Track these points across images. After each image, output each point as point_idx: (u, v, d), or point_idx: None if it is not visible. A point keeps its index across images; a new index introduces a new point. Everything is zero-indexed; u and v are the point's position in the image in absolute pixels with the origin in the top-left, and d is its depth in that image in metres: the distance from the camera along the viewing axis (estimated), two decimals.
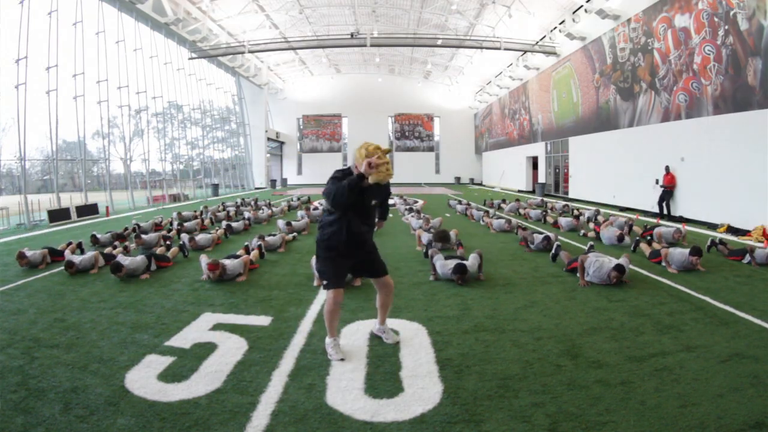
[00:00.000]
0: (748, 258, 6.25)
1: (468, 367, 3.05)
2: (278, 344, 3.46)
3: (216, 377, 2.90)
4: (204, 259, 5.64)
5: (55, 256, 6.63)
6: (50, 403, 2.57)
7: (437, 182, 35.18)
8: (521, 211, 12.36)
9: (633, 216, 11.65)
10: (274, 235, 7.79)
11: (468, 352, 3.28)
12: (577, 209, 12.42)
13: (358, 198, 2.89)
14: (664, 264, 5.91)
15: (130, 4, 17.00)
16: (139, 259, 5.80)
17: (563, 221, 9.63)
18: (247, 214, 11.37)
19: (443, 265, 5.35)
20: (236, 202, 15.33)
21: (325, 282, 3.19)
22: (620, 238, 7.56)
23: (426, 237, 7.31)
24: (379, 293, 3.42)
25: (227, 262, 5.58)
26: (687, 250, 5.74)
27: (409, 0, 21.81)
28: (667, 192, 11.97)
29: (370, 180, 2.76)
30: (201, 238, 7.78)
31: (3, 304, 4.59)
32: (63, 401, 2.58)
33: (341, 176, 2.94)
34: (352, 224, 3.06)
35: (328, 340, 3.30)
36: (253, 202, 15.62)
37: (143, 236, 7.77)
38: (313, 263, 5.45)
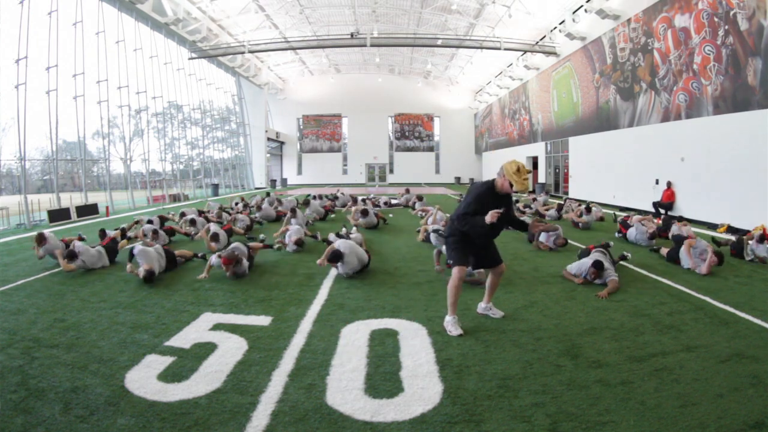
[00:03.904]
0: (750, 255, 6.28)
1: (468, 367, 3.05)
2: (278, 344, 3.46)
3: (216, 377, 2.90)
4: (214, 259, 5.55)
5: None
6: (50, 403, 2.57)
7: (437, 182, 35.18)
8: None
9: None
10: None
11: (468, 352, 3.28)
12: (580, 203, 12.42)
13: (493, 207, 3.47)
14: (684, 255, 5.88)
15: (130, 4, 16.99)
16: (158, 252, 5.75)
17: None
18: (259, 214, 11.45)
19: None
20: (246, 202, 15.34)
21: (451, 261, 3.68)
22: (652, 236, 7.55)
23: (433, 237, 7.29)
24: (492, 276, 3.93)
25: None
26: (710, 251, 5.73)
27: (409, 0, 21.82)
28: (664, 205, 11.98)
29: (515, 188, 3.44)
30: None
31: (3, 304, 4.59)
32: (63, 401, 2.58)
33: (485, 192, 3.53)
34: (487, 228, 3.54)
35: (448, 318, 3.70)
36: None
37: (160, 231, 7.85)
38: (333, 238, 5.80)
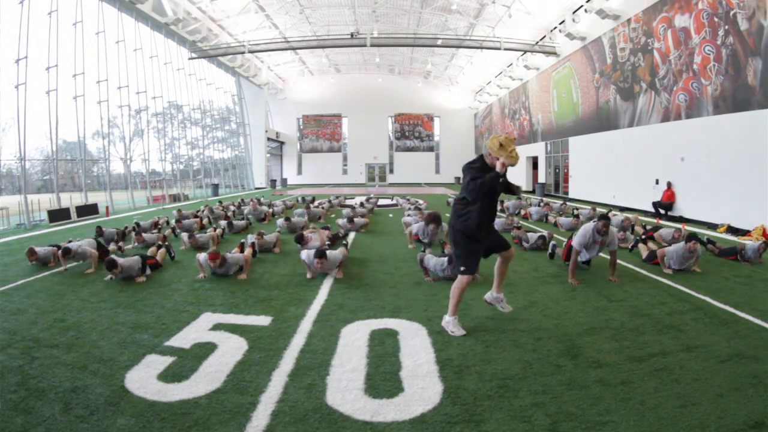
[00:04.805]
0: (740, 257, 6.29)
1: (468, 367, 3.04)
2: (278, 344, 3.46)
3: (216, 377, 2.90)
4: (202, 256, 5.61)
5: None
6: (50, 403, 2.57)
7: (437, 182, 35.18)
8: (522, 211, 12.29)
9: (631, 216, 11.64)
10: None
11: (468, 352, 3.28)
12: (576, 208, 12.40)
13: (493, 188, 3.42)
14: (661, 264, 5.88)
15: (130, 4, 17.00)
16: (133, 260, 5.72)
17: (563, 221, 9.63)
18: (247, 209, 11.42)
19: (436, 262, 5.35)
20: (238, 201, 15.32)
21: (462, 268, 3.57)
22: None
23: (416, 227, 7.23)
24: (501, 260, 3.83)
25: (228, 254, 5.61)
26: (682, 242, 5.74)
27: (409, 0, 21.82)
28: (664, 205, 11.97)
29: (506, 163, 3.31)
30: (200, 236, 7.79)
31: (3, 304, 4.59)
32: (63, 401, 2.58)
33: (479, 167, 3.46)
34: (483, 212, 3.51)
35: (449, 318, 3.66)
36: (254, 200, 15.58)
37: (144, 235, 7.79)
38: (302, 256, 5.60)
